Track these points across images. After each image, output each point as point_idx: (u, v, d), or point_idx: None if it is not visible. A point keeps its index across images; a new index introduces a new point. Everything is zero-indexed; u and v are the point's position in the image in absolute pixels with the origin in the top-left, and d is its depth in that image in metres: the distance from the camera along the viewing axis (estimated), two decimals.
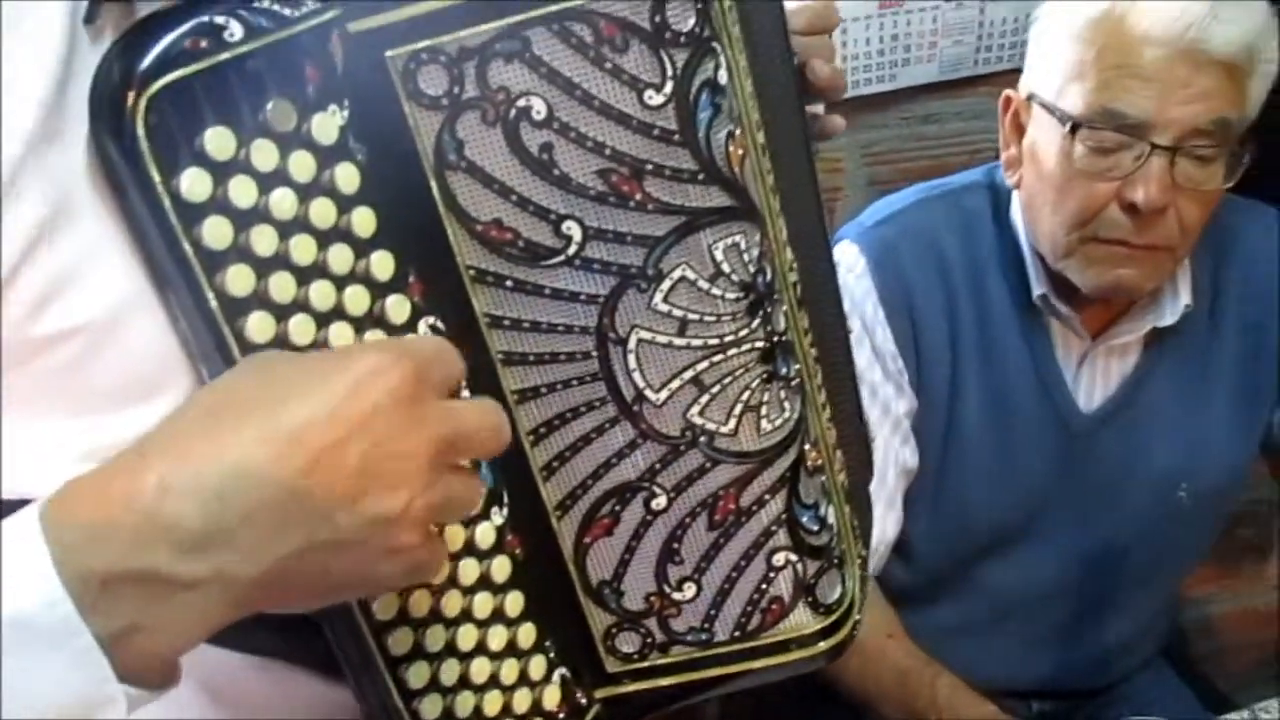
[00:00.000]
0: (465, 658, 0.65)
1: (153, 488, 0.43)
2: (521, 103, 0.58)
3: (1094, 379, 1.15)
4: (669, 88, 0.58)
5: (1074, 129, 1.00)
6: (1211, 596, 1.96)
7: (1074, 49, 1.00)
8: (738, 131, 0.61)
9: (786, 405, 0.66)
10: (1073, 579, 1.21)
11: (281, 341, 0.55)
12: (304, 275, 0.55)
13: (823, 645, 0.72)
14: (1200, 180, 1.00)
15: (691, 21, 0.57)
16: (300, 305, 0.55)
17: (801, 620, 0.71)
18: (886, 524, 1.16)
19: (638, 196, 0.60)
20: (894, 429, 1.14)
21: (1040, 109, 1.05)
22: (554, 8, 0.56)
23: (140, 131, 0.50)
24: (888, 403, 1.13)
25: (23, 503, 0.53)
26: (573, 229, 0.61)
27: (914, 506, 1.19)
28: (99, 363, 0.54)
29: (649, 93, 0.58)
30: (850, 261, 1.14)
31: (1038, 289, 1.11)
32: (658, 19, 0.57)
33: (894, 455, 1.14)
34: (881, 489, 1.14)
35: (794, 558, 0.69)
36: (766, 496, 0.67)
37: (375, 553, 0.48)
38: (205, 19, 0.52)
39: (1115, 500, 1.18)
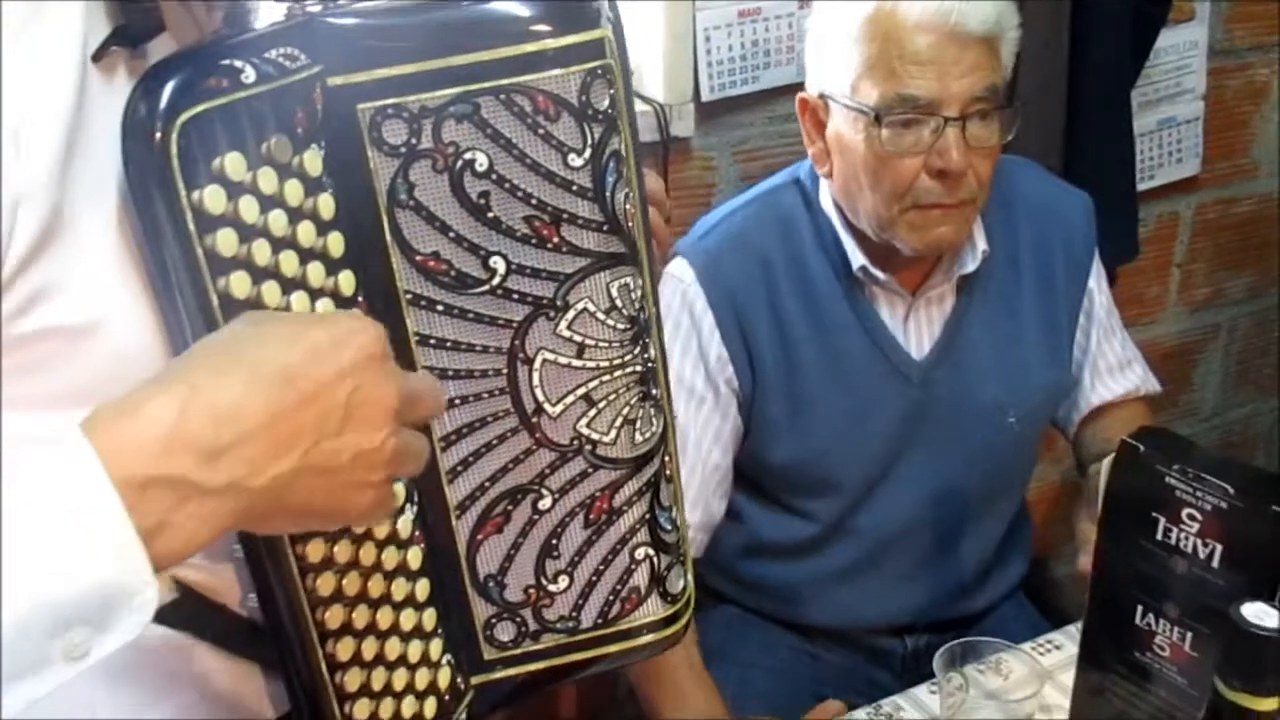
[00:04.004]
0: (382, 636, 0.73)
1: (176, 410, 0.51)
2: (468, 155, 0.70)
3: (920, 329, 1.33)
4: (588, 153, 0.72)
5: (878, 118, 1.18)
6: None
7: (856, 49, 1.19)
8: (632, 194, 0.75)
9: (654, 421, 0.80)
10: (929, 513, 1.34)
11: None
12: (288, 286, 0.64)
13: (667, 631, 0.85)
14: (984, 138, 1.20)
15: (607, 102, 0.72)
16: (283, 310, 0.64)
17: (653, 608, 0.84)
18: (713, 507, 1.30)
19: (555, 240, 0.73)
20: (704, 427, 1.28)
21: (838, 106, 1.23)
22: (503, 81, 0.69)
23: (173, 150, 0.58)
24: (703, 405, 1.27)
25: None
26: (498, 263, 0.73)
27: (787, 480, 1.33)
28: (71, 364, 0.60)
29: (571, 156, 0.72)
30: (681, 273, 1.29)
31: (856, 261, 1.28)
32: (583, 98, 0.71)
33: (705, 453, 1.28)
34: (692, 481, 1.28)
35: (652, 553, 0.82)
36: (634, 498, 0.81)
37: (351, 483, 0.58)
38: (227, 62, 0.61)
39: (956, 435, 1.32)
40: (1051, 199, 1.40)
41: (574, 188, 0.72)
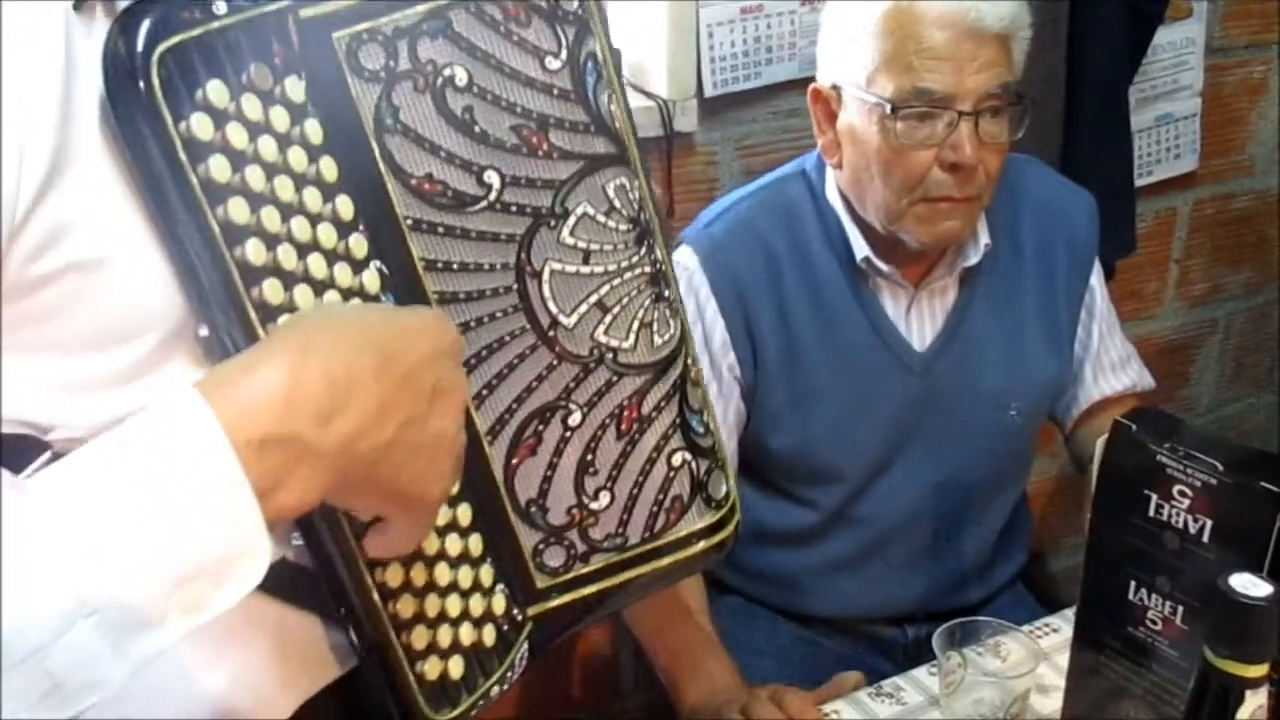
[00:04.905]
0: (430, 563, 0.73)
1: (291, 371, 0.54)
2: (446, 72, 0.71)
3: (922, 321, 1.33)
4: (564, 55, 0.73)
5: (894, 110, 1.20)
6: (1082, 545, 2.18)
7: (873, 43, 1.21)
8: (615, 96, 0.76)
9: (671, 323, 0.80)
10: (931, 504, 1.36)
11: (273, 268, 0.64)
12: (286, 211, 0.65)
13: (717, 538, 0.85)
14: (996, 134, 1.22)
15: (575, 3, 0.73)
16: (285, 237, 0.65)
17: (699, 516, 0.84)
18: None
19: (544, 147, 0.73)
20: None
21: (851, 97, 1.24)
22: None
23: (155, 82, 0.60)
24: (708, 390, 1.27)
25: (18, 436, 0.60)
26: (492, 178, 0.73)
27: (788, 467, 1.33)
28: (84, 306, 0.61)
29: (548, 59, 0.72)
30: (685, 260, 1.31)
31: (860, 252, 1.29)
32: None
33: None
34: None
35: (689, 457, 0.82)
36: (663, 403, 0.80)
37: (431, 469, 0.61)
38: None
39: (958, 426, 1.34)
40: (1056, 197, 1.41)
41: (555, 91, 0.73)
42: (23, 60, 0.58)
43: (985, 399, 1.35)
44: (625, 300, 0.78)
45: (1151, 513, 0.88)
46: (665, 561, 0.84)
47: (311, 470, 0.54)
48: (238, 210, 0.62)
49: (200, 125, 0.61)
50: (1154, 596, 0.90)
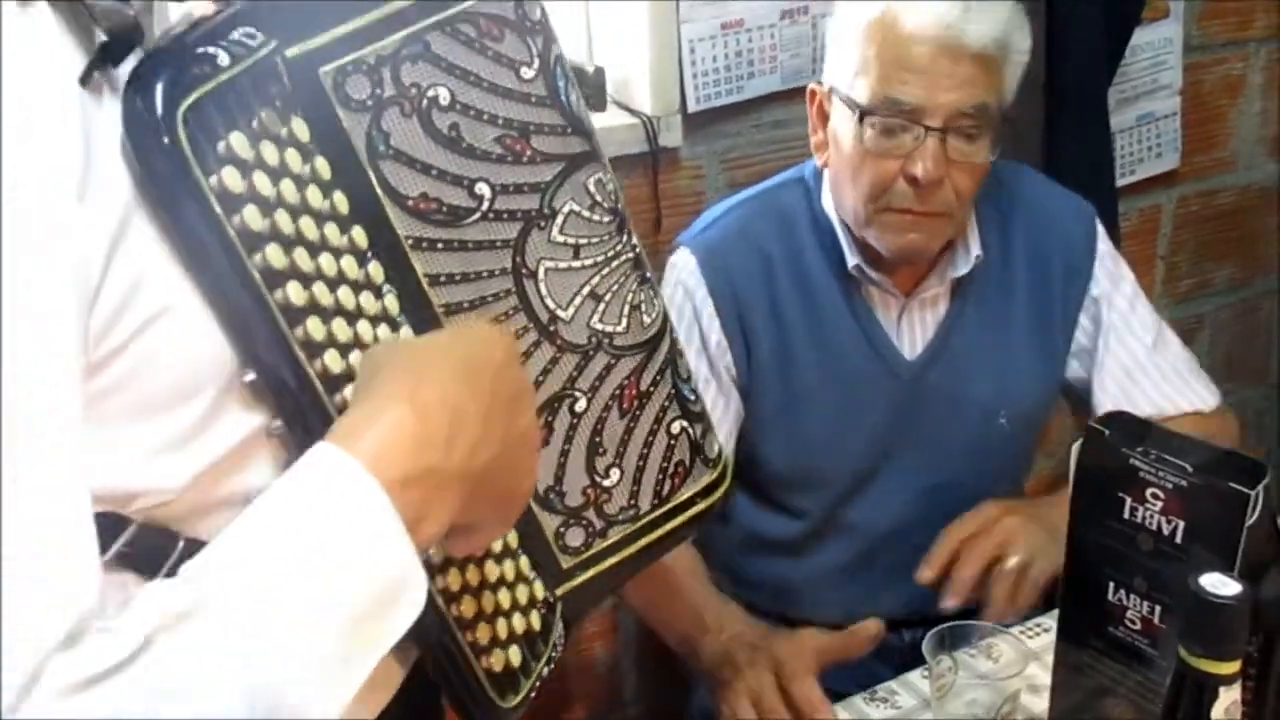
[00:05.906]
0: (480, 563, 0.77)
1: (412, 409, 0.58)
2: (430, 93, 0.73)
3: (913, 330, 1.35)
4: (536, 64, 0.76)
5: (862, 116, 1.21)
6: None
7: (858, 48, 1.23)
8: (578, 94, 0.80)
9: (655, 302, 0.85)
10: (922, 510, 1.35)
11: (311, 305, 0.66)
12: (314, 249, 0.67)
13: (717, 494, 0.91)
14: (968, 154, 1.22)
15: (539, 13, 0.76)
16: (317, 274, 0.67)
17: (699, 476, 0.89)
18: None
19: (528, 153, 0.77)
20: (709, 413, 1.26)
21: (837, 99, 1.26)
22: (444, 14, 0.72)
23: (183, 141, 0.60)
24: (708, 390, 1.31)
25: (96, 516, 0.61)
26: (483, 189, 0.76)
27: (777, 474, 1.36)
28: (153, 367, 0.61)
29: (523, 69, 0.76)
30: (683, 263, 1.33)
31: (851, 260, 1.30)
32: (519, 12, 0.75)
33: None
34: None
35: (685, 424, 0.87)
36: (658, 378, 0.85)
37: (524, 466, 0.66)
38: (200, 50, 0.63)
39: (948, 434, 1.35)
40: (1050, 204, 1.42)
41: (533, 99, 0.76)
42: (58, 137, 0.57)
43: (974, 408, 1.36)
44: (615, 287, 0.82)
45: (1126, 515, 0.90)
46: (676, 522, 0.89)
47: (447, 495, 0.58)
48: (275, 255, 0.64)
49: (231, 178, 0.62)
50: (1132, 597, 0.92)
